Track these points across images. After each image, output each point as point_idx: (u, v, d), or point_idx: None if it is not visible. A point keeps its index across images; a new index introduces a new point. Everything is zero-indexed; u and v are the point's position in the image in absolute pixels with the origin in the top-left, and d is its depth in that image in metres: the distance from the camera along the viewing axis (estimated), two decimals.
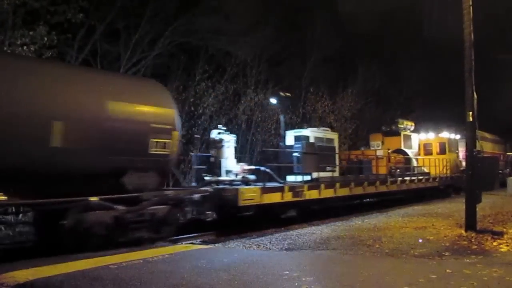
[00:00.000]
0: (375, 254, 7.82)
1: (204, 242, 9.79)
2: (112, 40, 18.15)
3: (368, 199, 19.18)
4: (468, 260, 7.06)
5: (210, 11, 20.12)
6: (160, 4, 18.66)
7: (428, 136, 24.53)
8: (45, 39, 13.13)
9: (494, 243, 8.54)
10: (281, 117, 20.44)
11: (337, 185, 14.81)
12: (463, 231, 9.75)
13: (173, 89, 20.29)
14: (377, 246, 8.59)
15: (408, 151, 21.56)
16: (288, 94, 22.30)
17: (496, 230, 10.02)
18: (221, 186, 11.52)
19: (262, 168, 13.04)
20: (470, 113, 10.04)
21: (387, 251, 8.06)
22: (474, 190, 10.02)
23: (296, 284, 5.49)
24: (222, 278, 5.85)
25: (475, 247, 8.28)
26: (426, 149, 24.14)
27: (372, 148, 21.00)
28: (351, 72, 28.75)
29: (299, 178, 14.28)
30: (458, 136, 25.34)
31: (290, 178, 14.52)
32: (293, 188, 12.89)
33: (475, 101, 10.14)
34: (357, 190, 16.00)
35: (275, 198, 12.23)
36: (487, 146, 31.02)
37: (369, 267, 6.42)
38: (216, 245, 9.28)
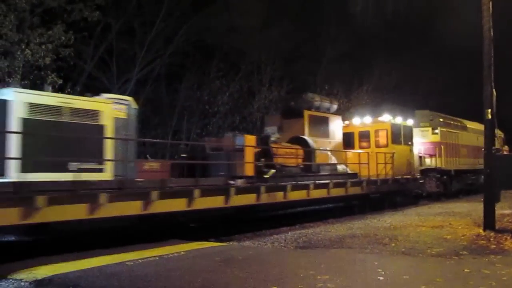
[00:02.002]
0: (391, 252, 7.73)
1: (219, 240, 9.80)
2: (128, 39, 18.32)
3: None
4: (486, 260, 6.94)
5: (225, 10, 20.18)
6: (175, 2, 18.75)
7: (365, 120, 17.44)
8: (63, 38, 13.31)
9: None
10: None
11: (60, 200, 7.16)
12: (481, 231, 9.58)
13: (187, 88, 20.45)
14: (393, 244, 8.50)
15: (314, 140, 14.22)
16: None
17: None
18: None
19: None
20: (489, 110, 9.85)
21: (403, 250, 7.96)
22: (492, 189, 9.84)
23: (312, 282, 5.46)
24: (237, 275, 5.85)
25: (494, 246, 8.13)
26: (362, 139, 17.46)
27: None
28: (367, 69, 28.55)
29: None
30: (411, 121, 18.35)
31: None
32: None
33: (494, 98, 9.96)
34: (129, 209, 8.17)
35: None
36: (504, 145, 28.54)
37: (386, 266, 6.36)
38: (231, 242, 9.29)
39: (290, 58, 24.52)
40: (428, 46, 32.25)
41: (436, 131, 20.28)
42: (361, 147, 17.20)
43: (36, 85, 14.12)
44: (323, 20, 26.40)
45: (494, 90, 9.94)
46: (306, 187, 12.57)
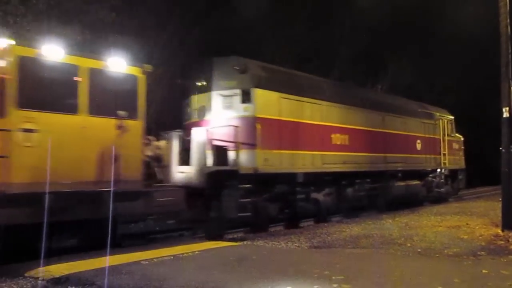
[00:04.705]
0: (406, 253, 7.66)
1: (233, 239, 9.81)
2: (142, 40, 18.46)
3: None
4: (505, 260, 6.83)
5: (239, 9, 20.20)
6: (189, 2, 18.85)
7: None
8: (78, 37, 13.48)
9: None
10: None
11: None
12: (499, 231, 9.43)
13: None
14: (409, 245, 8.41)
15: None
16: None
17: None
18: None
19: None
20: (507, 108, 9.69)
21: (419, 250, 7.88)
22: (511, 188, 9.67)
23: (327, 282, 5.43)
24: (252, 275, 5.85)
25: None
26: None
27: None
28: (381, 68, 28.28)
29: None
30: (114, 64, 8.17)
31: None
32: None
33: None
34: None
35: None
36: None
37: (401, 266, 6.30)
38: (245, 242, 9.28)
39: (304, 57, 24.42)
40: (443, 43, 31.70)
41: (250, 96, 10.34)
42: None
43: None
44: (337, 19, 26.24)
45: (511, 87, 9.78)
46: None
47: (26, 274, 6.11)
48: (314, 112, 11.93)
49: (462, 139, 20.34)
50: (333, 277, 5.62)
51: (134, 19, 17.54)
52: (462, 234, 9.43)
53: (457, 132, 19.86)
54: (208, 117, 10.78)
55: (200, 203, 9.75)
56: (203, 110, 10.86)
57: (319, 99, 12.17)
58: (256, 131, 10.22)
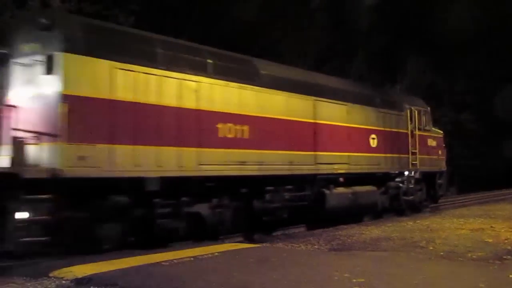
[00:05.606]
0: (429, 256, 7.52)
1: (252, 241, 9.82)
2: None
3: None
4: None
5: (255, 12, 20.27)
6: (207, 5, 19.00)
7: None
8: None
9: None
10: None
11: None
12: None
13: None
14: (431, 248, 8.27)
15: None
16: None
17: None
18: None
19: None
20: None
21: (442, 253, 7.73)
22: None
23: (347, 285, 5.38)
24: (271, 277, 5.83)
25: None
26: None
27: None
28: (400, 68, 28.01)
29: None
30: None
31: None
32: None
33: None
34: None
35: None
36: None
37: (423, 270, 6.19)
38: (264, 244, 9.28)
39: (321, 58, 24.33)
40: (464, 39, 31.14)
41: (54, 64, 7.06)
42: None
43: None
44: (355, 19, 26.09)
45: None
46: None
47: (50, 274, 6.21)
48: (185, 92, 8.41)
49: (442, 134, 16.75)
50: (354, 280, 5.56)
51: (152, 23, 17.77)
52: (486, 238, 9.23)
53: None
54: (7, 96, 7.73)
55: None
56: (3, 87, 7.82)
57: (194, 74, 8.64)
58: (60, 115, 6.86)
